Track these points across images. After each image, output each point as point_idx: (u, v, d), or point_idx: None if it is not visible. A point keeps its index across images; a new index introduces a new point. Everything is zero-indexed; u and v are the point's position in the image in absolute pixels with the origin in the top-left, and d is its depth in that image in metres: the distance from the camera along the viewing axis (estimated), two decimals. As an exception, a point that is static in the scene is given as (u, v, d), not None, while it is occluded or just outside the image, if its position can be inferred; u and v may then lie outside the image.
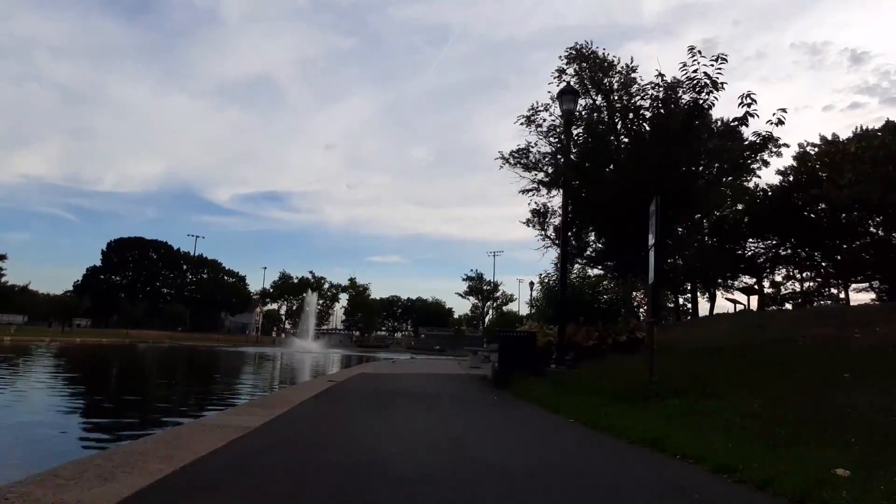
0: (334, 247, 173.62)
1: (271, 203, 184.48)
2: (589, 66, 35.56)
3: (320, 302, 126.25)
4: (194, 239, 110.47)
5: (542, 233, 40.32)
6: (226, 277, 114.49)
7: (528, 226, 40.35)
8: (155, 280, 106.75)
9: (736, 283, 39.18)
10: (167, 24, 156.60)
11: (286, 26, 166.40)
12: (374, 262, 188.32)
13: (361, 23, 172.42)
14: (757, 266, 38.04)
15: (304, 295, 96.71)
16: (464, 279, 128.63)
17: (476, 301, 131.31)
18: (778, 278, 41.20)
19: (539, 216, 40.00)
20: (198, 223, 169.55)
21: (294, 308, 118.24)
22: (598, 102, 37.62)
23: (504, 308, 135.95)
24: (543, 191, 39.21)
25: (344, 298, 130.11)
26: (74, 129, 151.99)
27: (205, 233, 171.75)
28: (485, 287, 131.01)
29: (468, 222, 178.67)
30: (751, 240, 39.18)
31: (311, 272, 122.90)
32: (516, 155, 38.78)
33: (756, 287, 36.70)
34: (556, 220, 40.66)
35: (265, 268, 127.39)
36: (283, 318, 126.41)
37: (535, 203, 40.52)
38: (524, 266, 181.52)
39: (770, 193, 37.72)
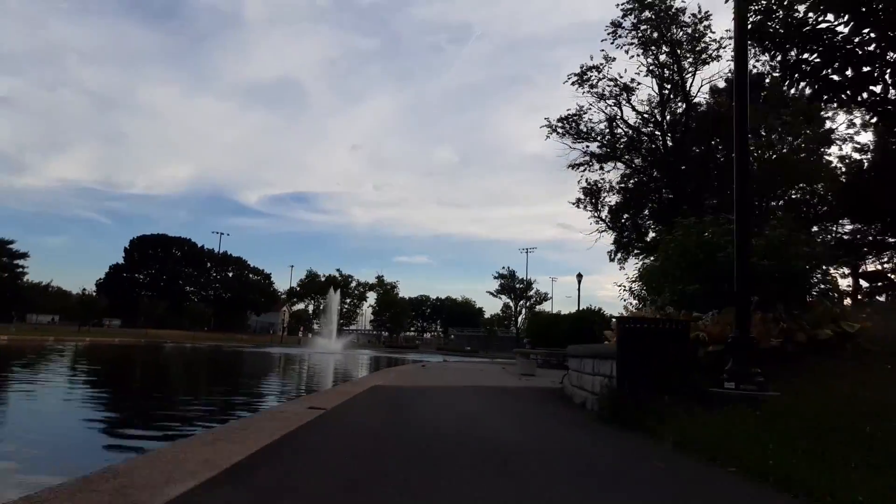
0: (361, 248, 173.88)
1: (299, 204, 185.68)
2: (654, 15, 30.32)
3: (347, 301, 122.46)
4: (219, 236, 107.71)
5: (595, 214, 34.82)
6: (251, 276, 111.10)
7: (578, 206, 34.75)
8: (178, 278, 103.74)
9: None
10: (192, 28, 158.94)
11: (308, 28, 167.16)
12: (400, 262, 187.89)
13: (382, 23, 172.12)
14: (855, 251, 31.93)
15: (329, 294, 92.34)
16: (495, 277, 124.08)
17: (508, 300, 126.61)
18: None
19: (591, 195, 34.52)
20: (227, 225, 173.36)
21: (321, 307, 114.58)
22: (661, 59, 32.42)
23: (537, 307, 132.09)
24: (596, 165, 33.83)
25: (372, 298, 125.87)
26: (107, 134, 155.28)
27: (234, 234, 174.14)
28: (517, 285, 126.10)
29: (494, 223, 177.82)
30: (842, 221, 33.09)
31: (338, 270, 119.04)
32: (565, 123, 33.40)
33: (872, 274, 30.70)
34: (613, 199, 35.14)
35: (292, 266, 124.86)
36: (311, 317, 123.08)
37: (587, 181, 35.30)
38: (554, 266, 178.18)
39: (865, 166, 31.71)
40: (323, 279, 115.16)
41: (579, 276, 38.33)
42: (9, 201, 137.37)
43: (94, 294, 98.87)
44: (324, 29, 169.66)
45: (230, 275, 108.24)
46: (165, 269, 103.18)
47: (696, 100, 30.15)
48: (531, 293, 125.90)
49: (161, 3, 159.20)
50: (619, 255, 36.17)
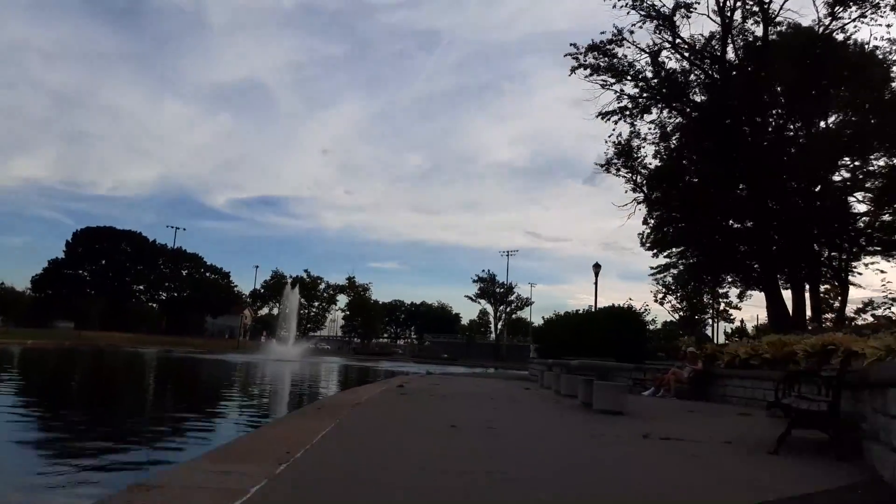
0: (331, 252, 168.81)
1: (267, 208, 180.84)
2: None
3: (315, 305, 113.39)
4: (174, 231, 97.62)
5: (630, 178, 26.44)
6: (208, 274, 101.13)
7: (607, 170, 26.58)
8: (125, 275, 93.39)
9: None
10: (155, 29, 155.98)
11: (273, 32, 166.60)
12: (372, 268, 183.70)
13: (350, 28, 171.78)
14: None
15: (285, 290, 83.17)
16: (474, 280, 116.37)
17: (487, 305, 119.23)
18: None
19: (624, 155, 26.35)
20: (195, 228, 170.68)
21: (287, 310, 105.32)
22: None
23: (517, 314, 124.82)
24: (634, 110, 25.23)
25: (343, 302, 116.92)
26: (70, 134, 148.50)
27: (202, 238, 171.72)
28: (497, 290, 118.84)
29: (466, 229, 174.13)
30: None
31: (305, 271, 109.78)
32: (598, 53, 24.78)
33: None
34: (654, 162, 26.57)
35: (257, 266, 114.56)
36: (277, 321, 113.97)
37: (619, 138, 26.91)
38: (525, 274, 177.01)
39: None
40: (289, 280, 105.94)
41: (597, 267, 30.41)
42: None
43: (29, 292, 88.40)
44: (289, 33, 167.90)
45: (184, 273, 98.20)
46: (112, 266, 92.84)
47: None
48: (512, 298, 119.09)
49: (123, 3, 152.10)
50: (651, 237, 28.30)
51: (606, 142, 25.48)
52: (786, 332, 15.76)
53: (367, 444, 4.70)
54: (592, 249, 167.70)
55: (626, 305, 21.05)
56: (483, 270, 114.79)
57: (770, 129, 23.92)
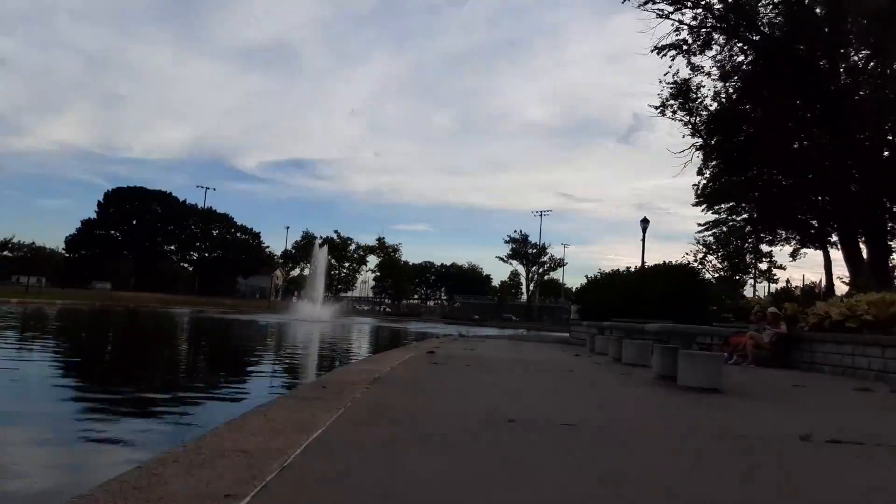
0: (361, 214, 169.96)
1: (297, 170, 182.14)
2: None
3: (346, 265, 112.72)
4: (204, 191, 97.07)
5: (689, 121, 23.11)
6: (238, 234, 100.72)
7: (662, 112, 23.30)
8: (156, 235, 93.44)
9: None
10: None
11: None
12: (401, 230, 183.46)
13: None
14: None
15: (313, 248, 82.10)
16: (506, 241, 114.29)
17: (518, 266, 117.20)
18: None
19: (681, 95, 23.13)
20: (226, 190, 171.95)
21: (316, 271, 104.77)
22: None
23: (550, 274, 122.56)
24: (694, 45, 21.52)
25: (373, 263, 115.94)
26: (102, 96, 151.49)
27: (233, 200, 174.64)
28: (530, 251, 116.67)
29: (495, 191, 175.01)
30: None
31: (336, 231, 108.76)
32: None
33: None
34: (713, 105, 23.20)
35: (287, 227, 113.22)
36: (307, 281, 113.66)
37: (676, 76, 23.70)
38: (556, 236, 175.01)
39: None
40: (320, 241, 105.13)
41: (645, 223, 27.95)
42: (8, 163, 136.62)
43: (63, 252, 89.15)
44: None
45: (215, 233, 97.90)
46: (143, 226, 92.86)
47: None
48: (544, 259, 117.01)
49: None
50: (708, 187, 25.65)
51: (661, 82, 22.76)
52: (877, 291, 13.35)
53: (373, 470, 2.70)
54: (626, 210, 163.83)
55: (681, 263, 18.75)
56: (515, 231, 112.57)
57: (858, 66, 20.88)
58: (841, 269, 25.65)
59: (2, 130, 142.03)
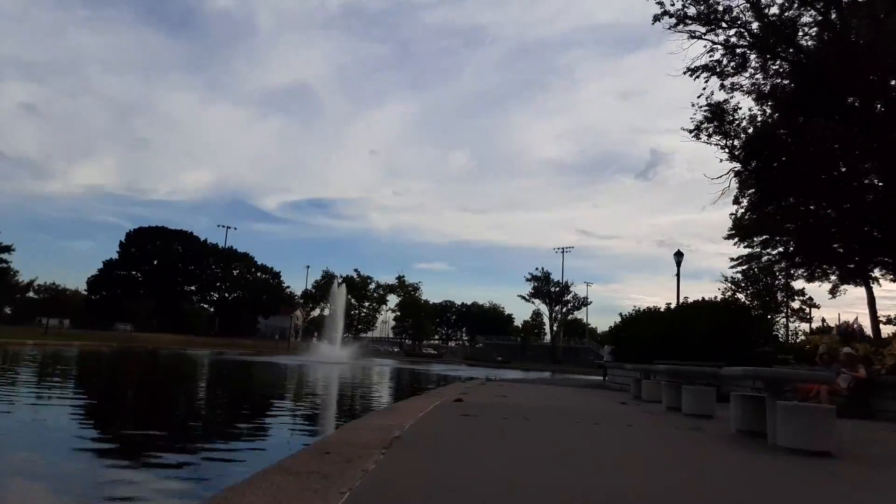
0: (380, 253, 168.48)
1: (317, 210, 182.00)
2: None
3: (366, 305, 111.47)
4: (225, 230, 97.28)
5: (725, 144, 20.90)
6: (259, 274, 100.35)
7: (696, 136, 21.38)
8: (177, 276, 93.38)
9: None
10: (207, 36, 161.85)
11: (319, 34, 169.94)
12: (420, 269, 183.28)
13: (392, 28, 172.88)
14: None
15: (331, 287, 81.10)
16: (528, 279, 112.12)
17: (541, 305, 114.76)
18: None
19: (717, 117, 21.26)
20: (247, 231, 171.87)
21: (335, 310, 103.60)
22: None
23: (573, 314, 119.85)
24: (729, 67, 19.31)
25: (393, 302, 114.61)
26: (128, 141, 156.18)
27: (254, 241, 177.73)
28: (553, 289, 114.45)
29: (513, 229, 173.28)
30: None
31: (356, 270, 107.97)
32: None
33: None
34: (749, 128, 20.96)
35: (308, 267, 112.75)
36: (326, 321, 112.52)
37: (711, 101, 21.76)
38: (575, 273, 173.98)
39: None
40: (340, 280, 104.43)
41: (679, 256, 26.38)
42: (36, 207, 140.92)
43: (85, 293, 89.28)
44: (334, 35, 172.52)
45: (235, 273, 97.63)
46: (164, 266, 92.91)
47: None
48: (568, 297, 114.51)
49: (176, 11, 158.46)
50: (745, 217, 24.16)
51: (694, 105, 21.65)
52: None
53: None
54: (646, 247, 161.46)
55: (728, 298, 17.23)
56: (537, 268, 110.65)
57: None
58: (884, 307, 23.87)
59: (31, 175, 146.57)
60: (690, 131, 21.51)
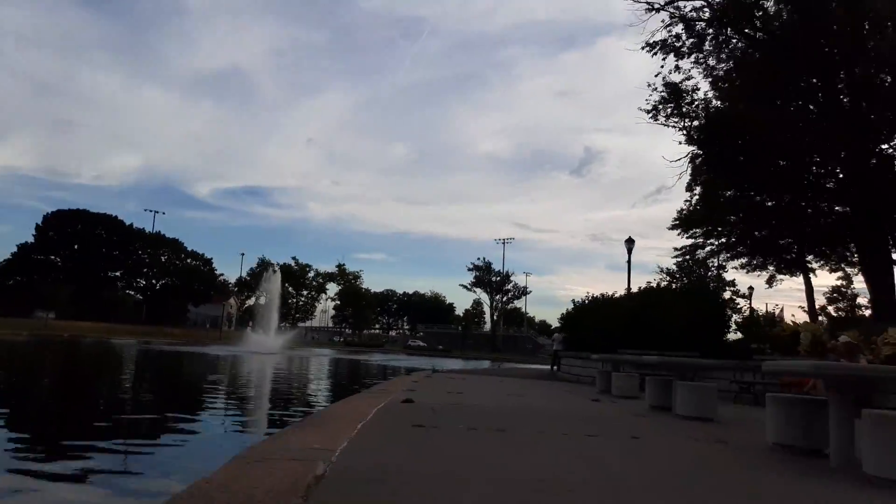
0: (319, 243, 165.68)
1: (253, 198, 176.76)
2: None
3: (304, 293, 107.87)
4: (153, 215, 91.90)
5: (683, 126, 19.06)
6: (189, 260, 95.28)
7: (654, 117, 19.64)
8: (100, 261, 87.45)
9: None
10: (133, 14, 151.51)
11: (254, 18, 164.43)
12: (360, 259, 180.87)
13: (329, 15, 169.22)
14: None
15: (265, 274, 77.80)
16: (469, 268, 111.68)
17: (482, 294, 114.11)
18: None
19: (674, 98, 19.97)
20: (180, 219, 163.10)
21: (268, 298, 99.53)
22: None
23: (511, 304, 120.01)
24: (688, 43, 17.65)
25: (333, 290, 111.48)
26: (48, 122, 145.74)
27: (187, 228, 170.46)
28: (494, 279, 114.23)
29: (452, 221, 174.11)
30: None
31: (293, 258, 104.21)
32: None
33: None
34: (712, 104, 18.47)
35: (243, 254, 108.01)
36: (258, 310, 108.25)
37: (665, 78, 19.88)
38: (512, 266, 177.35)
39: None
40: (277, 268, 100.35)
41: (630, 242, 25.28)
42: None
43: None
44: (270, 19, 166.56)
45: (163, 259, 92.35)
46: (86, 251, 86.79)
47: None
48: (508, 287, 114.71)
49: None
50: (699, 205, 23.24)
51: (650, 85, 20.47)
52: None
53: None
54: (580, 241, 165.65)
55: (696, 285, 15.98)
56: (478, 258, 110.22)
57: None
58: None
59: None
60: (648, 111, 20.38)
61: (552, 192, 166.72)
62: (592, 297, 20.95)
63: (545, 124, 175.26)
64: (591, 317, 18.40)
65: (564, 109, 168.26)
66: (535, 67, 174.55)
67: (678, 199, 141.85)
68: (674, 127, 20.82)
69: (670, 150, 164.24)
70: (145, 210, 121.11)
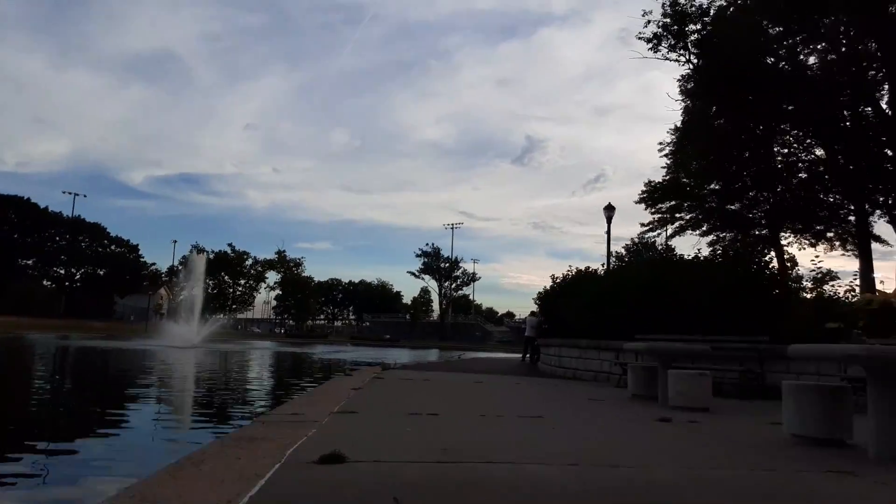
0: (259, 231, 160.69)
1: (189, 186, 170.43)
2: None
3: (242, 283, 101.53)
4: (73, 197, 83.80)
5: (686, 58, 16.09)
6: (113, 247, 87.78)
7: (655, 49, 15.58)
8: (11, 248, 79.21)
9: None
10: None
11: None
12: (302, 248, 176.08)
13: None
14: None
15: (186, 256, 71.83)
16: (418, 255, 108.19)
17: (431, 281, 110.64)
18: None
19: (677, 24, 16.70)
20: (111, 207, 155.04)
21: (210, 289, 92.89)
22: None
23: (460, 291, 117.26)
24: None
25: (273, 279, 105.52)
26: None
27: (119, 217, 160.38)
28: (442, 265, 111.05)
29: (397, 209, 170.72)
30: None
31: (229, 244, 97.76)
32: None
33: None
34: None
35: (175, 241, 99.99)
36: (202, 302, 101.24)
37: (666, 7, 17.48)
38: (463, 253, 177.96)
39: None
40: (212, 257, 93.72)
41: (609, 210, 21.89)
42: None
43: None
44: (202, 1, 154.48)
45: (83, 245, 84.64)
46: (-6, 237, 78.46)
47: None
48: (457, 273, 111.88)
49: None
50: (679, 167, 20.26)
51: (645, 14, 17.01)
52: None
53: None
54: (523, 229, 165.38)
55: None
56: (427, 244, 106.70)
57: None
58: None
59: None
60: (648, 40, 16.83)
61: (495, 180, 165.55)
62: (577, 270, 17.48)
63: (487, 113, 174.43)
64: (580, 294, 14.72)
65: (506, 98, 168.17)
66: (476, 56, 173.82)
67: (617, 188, 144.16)
68: (676, 62, 17.48)
69: (610, 140, 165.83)
70: (63, 192, 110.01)
